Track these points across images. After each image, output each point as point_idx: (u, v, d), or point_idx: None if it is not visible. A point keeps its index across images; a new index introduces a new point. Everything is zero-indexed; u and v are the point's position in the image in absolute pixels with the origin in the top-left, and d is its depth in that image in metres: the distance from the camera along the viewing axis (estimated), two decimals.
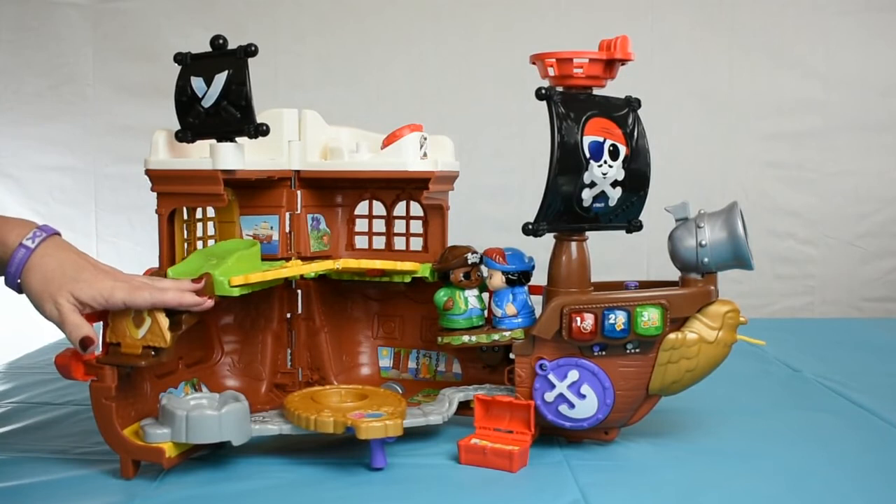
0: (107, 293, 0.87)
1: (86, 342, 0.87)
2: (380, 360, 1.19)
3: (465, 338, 1.04)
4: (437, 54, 2.44)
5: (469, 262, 1.04)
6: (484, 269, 1.04)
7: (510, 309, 1.02)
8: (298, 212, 1.13)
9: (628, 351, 0.97)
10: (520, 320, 1.02)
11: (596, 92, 0.98)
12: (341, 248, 1.18)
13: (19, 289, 0.88)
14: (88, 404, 0.92)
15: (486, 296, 1.06)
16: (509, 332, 1.01)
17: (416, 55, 2.43)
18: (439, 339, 1.06)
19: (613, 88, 0.98)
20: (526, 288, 1.03)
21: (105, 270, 0.90)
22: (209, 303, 0.91)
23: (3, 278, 0.89)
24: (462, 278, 1.04)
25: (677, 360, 0.97)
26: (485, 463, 0.94)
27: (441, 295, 1.05)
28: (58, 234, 0.90)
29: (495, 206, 2.34)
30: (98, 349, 0.89)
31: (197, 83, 0.97)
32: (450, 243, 1.11)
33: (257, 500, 0.87)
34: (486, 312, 1.06)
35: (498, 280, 1.02)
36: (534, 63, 0.98)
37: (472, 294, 1.05)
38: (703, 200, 1.02)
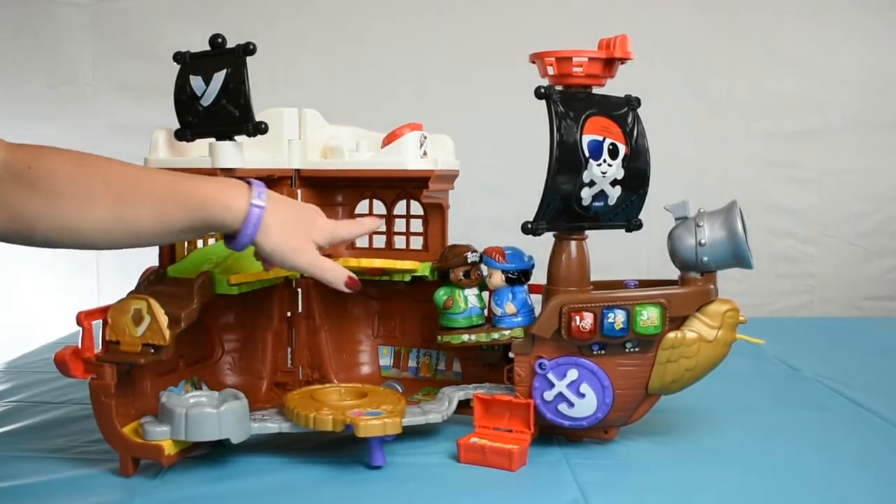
0: (333, 232, 0.93)
1: (351, 282, 0.92)
2: (380, 359, 1.19)
3: (465, 336, 1.04)
4: (437, 53, 2.43)
5: (469, 260, 1.04)
6: (484, 267, 1.04)
7: (510, 308, 1.02)
8: None
9: (627, 350, 0.97)
10: (519, 319, 1.02)
11: (595, 91, 0.98)
12: (341, 247, 1.18)
13: (244, 247, 0.89)
14: (88, 403, 0.92)
15: (485, 295, 1.06)
16: (509, 331, 1.01)
17: (417, 54, 2.43)
18: (439, 337, 1.06)
19: (613, 87, 0.98)
20: (525, 287, 1.03)
21: (318, 212, 0.94)
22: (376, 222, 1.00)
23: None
24: (462, 277, 1.04)
25: (677, 359, 0.97)
26: (484, 462, 0.94)
27: (441, 294, 1.05)
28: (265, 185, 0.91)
29: (495, 205, 2.33)
30: None
31: (196, 82, 0.97)
32: (450, 242, 1.11)
33: (256, 497, 0.87)
34: (485, 311, 1.06)
35: (497, 279, 1.02)
36: (533, 62, 0.98)
37: (471, 293, 1.05)
38: (702, 199, 1.02)
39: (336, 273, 0.91)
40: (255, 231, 0.86)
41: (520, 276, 1.02)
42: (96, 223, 0.84)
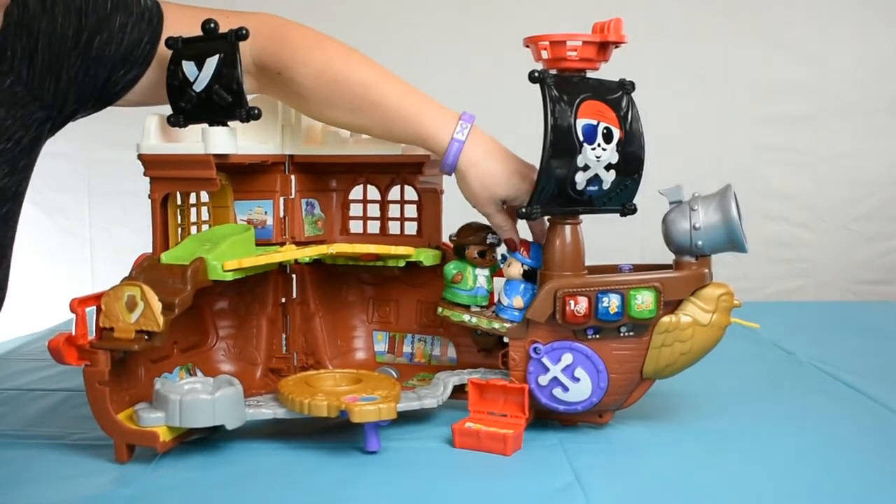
0: (519, 199, 0.99)
1: (511, 244, 1.02)
2: (375, 345, 1.19)
3: (466, 317, 1.03)
4: (431, 37, 2.42)
5: (488, 241, 1.04)
6: (499, 251, 1.04)
7: (517, 301, 1.01)
8: (293, 196, 1.12)
9: (622, 334, 0.97)
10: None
11: (590, 75, 0.97)
12: (336, 233, 1.18)
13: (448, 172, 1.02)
14: (82, 390, 0.92)
15: (495, 281, 1.05)
16: (509, 324, 1.01)
17: (410, 39, 2.42)
18: (439, 309, 1.05)
19: (607, 71, 0.98)
20: (536, 285, 1.03)
21: (518, 171, 1.01)
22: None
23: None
24: (476, 255, 1.04)
25: (671, 343, 0.97)
26: (479, 446, 0.94)
27: (451, 267, 1.05)
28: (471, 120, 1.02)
29: None
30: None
31: (188, 67, 0.97)
32: (444, 227, 1.11)
33: (251, 483, 0.87)
34: (490, 295, 1.06)
35: (515, 270, 1.02)
36: (527, 46, 0.98)
37: (482, 273, 1.05)
38: (697, 183, 1.02)
39: (504, 233, 1.02)
40: (454, 163, 0.99)
41: (536, 273, 1.02)
42: (333, 122, 1.07)
